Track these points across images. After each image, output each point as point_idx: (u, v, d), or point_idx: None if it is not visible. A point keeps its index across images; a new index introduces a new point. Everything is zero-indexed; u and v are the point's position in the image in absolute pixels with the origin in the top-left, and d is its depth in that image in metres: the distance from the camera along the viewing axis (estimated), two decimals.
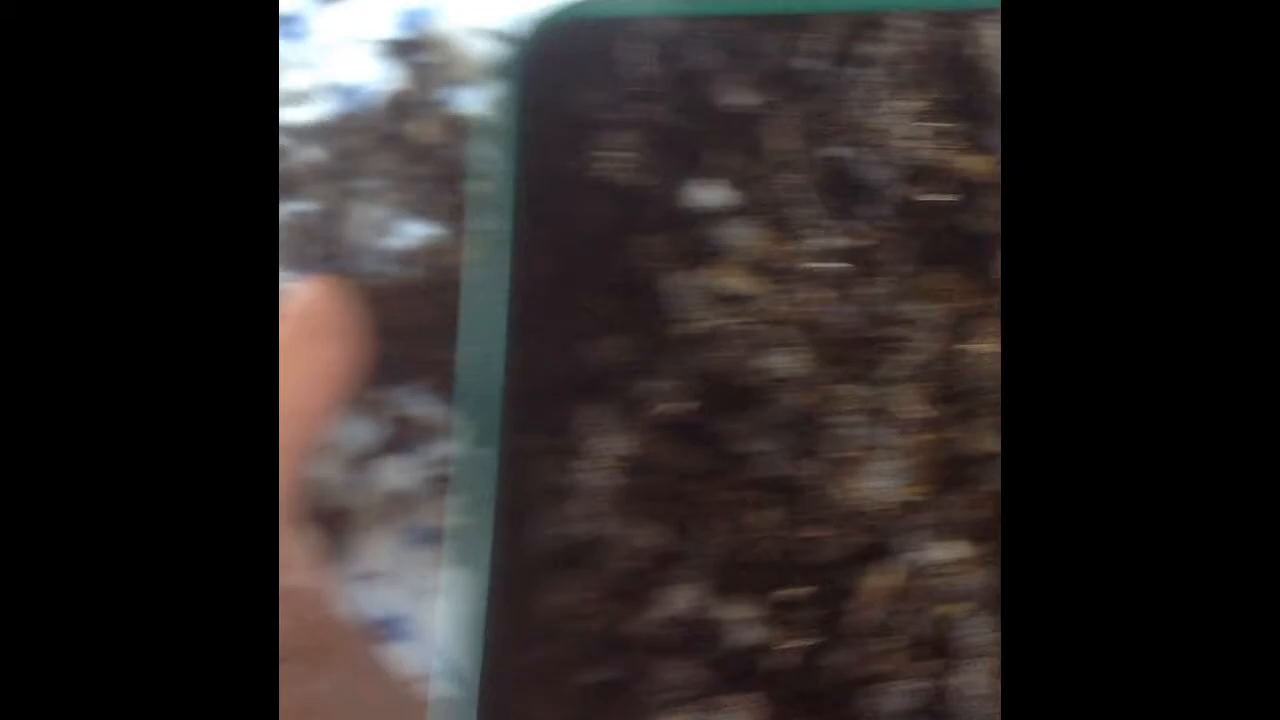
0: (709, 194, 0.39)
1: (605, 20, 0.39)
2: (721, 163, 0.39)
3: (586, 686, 0.38)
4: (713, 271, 0.38)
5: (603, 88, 0.39)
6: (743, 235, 0.38)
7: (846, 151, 0.38)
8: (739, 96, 0.38)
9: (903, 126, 0.37)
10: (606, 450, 0.38)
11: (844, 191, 0.38)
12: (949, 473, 0.37)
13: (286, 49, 0.58)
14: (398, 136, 0.56)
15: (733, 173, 0.39)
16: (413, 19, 0.57)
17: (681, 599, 0.38)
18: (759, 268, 0.38)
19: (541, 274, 0.39)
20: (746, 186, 0.39)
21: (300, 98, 0.57)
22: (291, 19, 0.58)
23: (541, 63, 0.38)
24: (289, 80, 0.57)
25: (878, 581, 0.37)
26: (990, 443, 0.36)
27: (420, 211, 0.55)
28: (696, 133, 0.39)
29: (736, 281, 0.38)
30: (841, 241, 0.37)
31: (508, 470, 0.38)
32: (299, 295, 0.48)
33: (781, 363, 0.38)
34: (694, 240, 0.39)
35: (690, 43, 0.39)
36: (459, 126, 0.56)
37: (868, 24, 0.38)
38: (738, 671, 0.38)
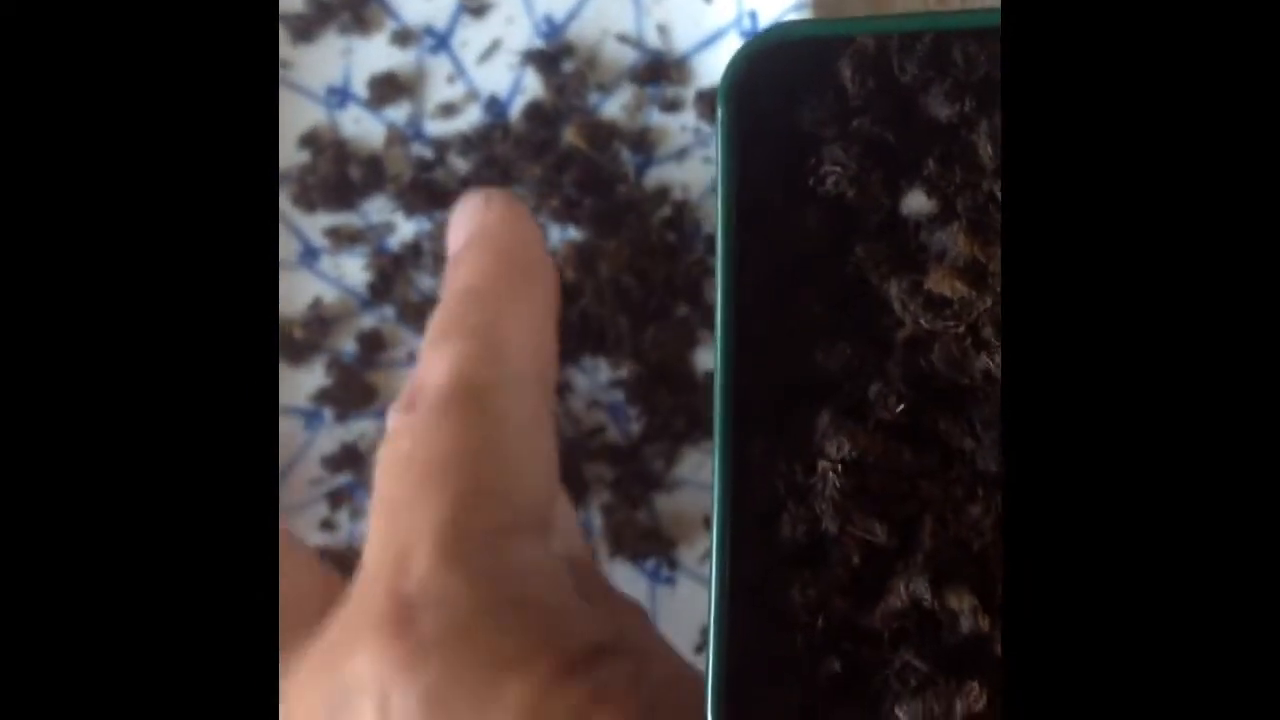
0: (920, 202, 0.40)
1: (815, 39, 0.40)
2: (931, 172, 0.40)
3: (824, 677, 0.40)
4: (927, 277, 0.39)
5: (816, 104, 0.40)
6: (950, 241, 0.39)
7: None
8: (945, 108, 0.40)
9: None
10: (835, 450, 0.39)
11: None
12: None
13: (433, 61, 0.59)
14: (544, 145, 0.58)
15: (943, 181, 0.40)
16: (554, 28, 0.58)
17: (909, 592, 0.39)
18: (967, 272, 0.39)
19: (765, 284, 0.40)
20: (958, 194, 0.40)
21: (448, 110, 0.59)
22: (437, 32, 0.59)
23: (755, 82, 0.39)
24: (437, 93, 0.59)
25: None
26: None
27: (567, 218, 0.57)
28: (907, 144, 0.40)
29: (949, 286, 0.39)
30: None
31: (744, 474, 0.39)
32: (488, 223, 0.47)
33: (994, 363, 0.39)
34: (909, 247, 0.40)
35: (897, 58, 0.40)
36: (602, 132, 0.58)
37: None
38: (964, 661, 0.40)
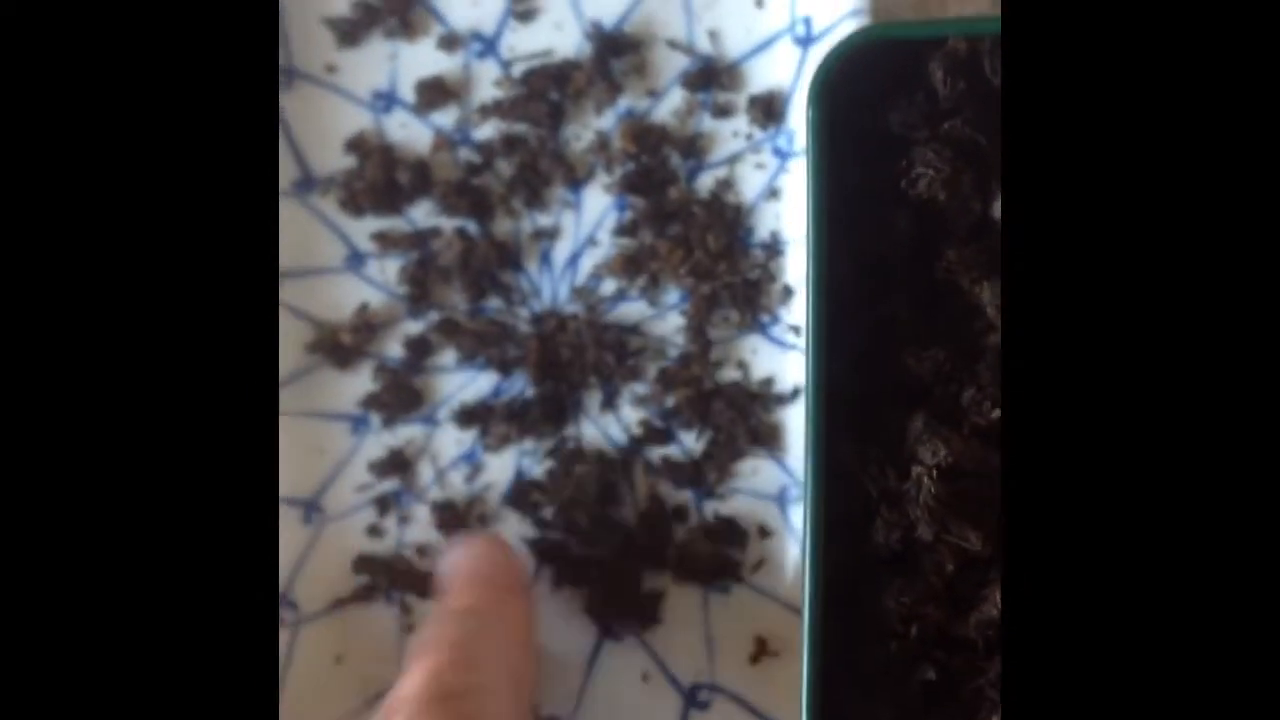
0: None
1: (905, 41, 0.40)
2: None
3: (919, 685, 0.40)
4: None
5: (906, 106, 0.40)
6: None
7: None
8: None
9: None
10: (929, 456, 0.39)
11: None
12: None
13: (479, 66, 0.59)
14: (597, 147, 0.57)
15: None
16: (604, 32, 0.58)
17: (1001, 600, 0.39)
18: None
19: (854, 288, 0.40)
20: None
21: (488, 112, 0.58)
22: (484, 37, 0.59)
23: (845, 83, 0.39)
24: (484, 97, 0.58)
25: None
26: None
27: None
28: (994, 146, 0.40)
29: None
30: None
31: (837, 478, 0.39)
32: (473, 556, 0.53)
33: None
34: (996, 252, 0.40)
35: (989, 60, 0.40)
36: (652, 136, 0.57)
37: None
38: None
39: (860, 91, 0.40)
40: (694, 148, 0.58)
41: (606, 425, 0.58)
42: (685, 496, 0.57)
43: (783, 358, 0.55)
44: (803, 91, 0.49)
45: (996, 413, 0.40)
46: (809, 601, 0.39)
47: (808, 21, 0.56)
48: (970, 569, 0.40)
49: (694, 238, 0.58)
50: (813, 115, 0.38)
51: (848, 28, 0.53)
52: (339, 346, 0.58)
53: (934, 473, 0.39)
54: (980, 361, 0.40)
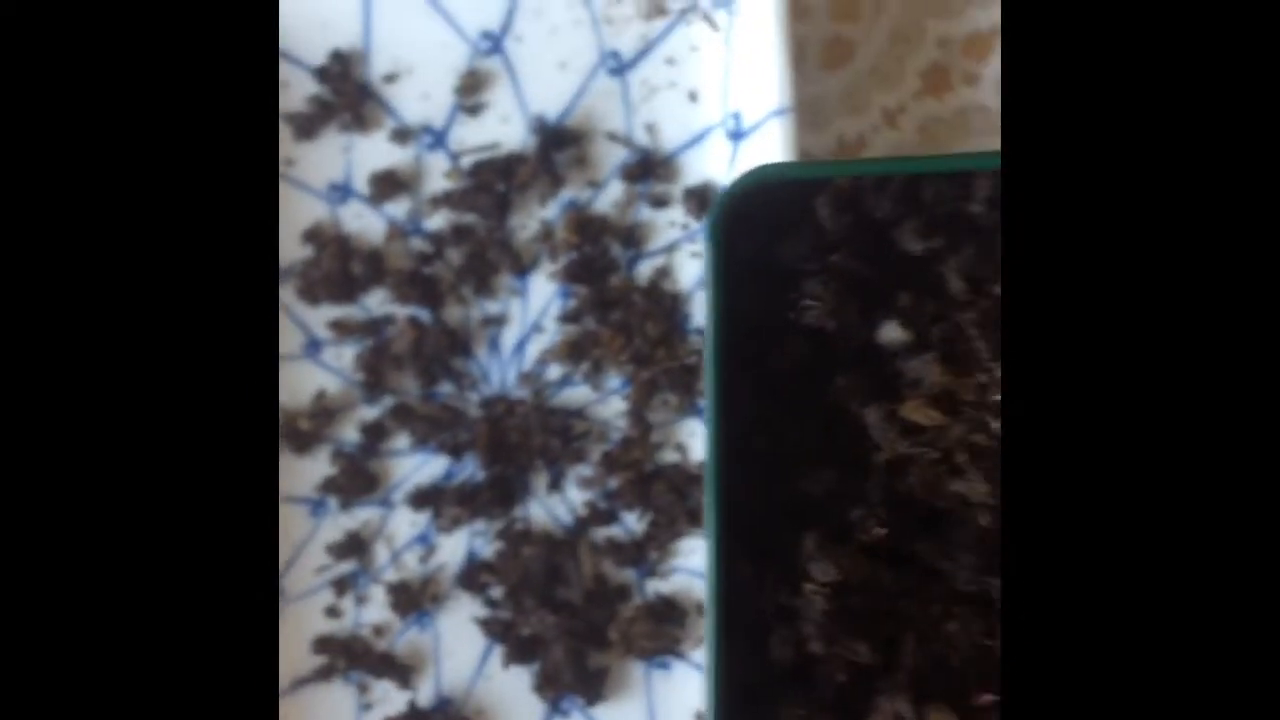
0: (895, 333, 0.42)
1: (794, 181, 0.42)
2: (905, 304, 0.42)
3: None
4: (903, 404, 0.41)
5: (797, 240, 0.42)
6: (927, 370, 0.41)
7: None
8: (917, 243, 0.42)
9: None
10: (821, 574, 0.41)
11: None
12: None
13: (430, 158, 0.61)
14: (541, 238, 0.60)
15: (916, 312, 0.42)
16: (547, 126, 0.60)
17: (894, 708, 0.41)
18: (941, 400, 0.41)
19: (752, 411, 0.42)
20: (930, 325, 0.42)
21: (438, 202, 0.60)
22: (434, 130, 0.61)
23: (741, 220, 0.41)
24: (435, 188, 0.60)
25: None
26: None
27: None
28: (882, 277, 0.42)
29: (924, 414, 0.41)
30: None
31: (737, 594, 0.41)
32: None
33: (967, 487, 0.41)
34: (886, 376, 0.42)
35: (871, 196, 0.42)
36: (593, 227, 0.59)
37: None
38: None
39: (755, 227, 0.42)
40: (633, 237, 0.60)
41: (553, 506, 0.60)
42: (628, 576, 0.59)
43: None
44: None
45: (882, 531, 0.41)
46: (712, 710, 0.41)
47: (737, 116, 0.58)
48: (860, 679, 0.42)
49: (634, 324, 0.60)
50: (711, 251, 0.40)
51: (774, 124, 0.56)
52: (297, 432, 0.61)
53: (824, 589, 0.41)
54: (869, 480, 0.42)
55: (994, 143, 0.63)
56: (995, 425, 0.40)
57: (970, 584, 0.42)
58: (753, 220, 0.42)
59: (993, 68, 0.63)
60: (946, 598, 0.42)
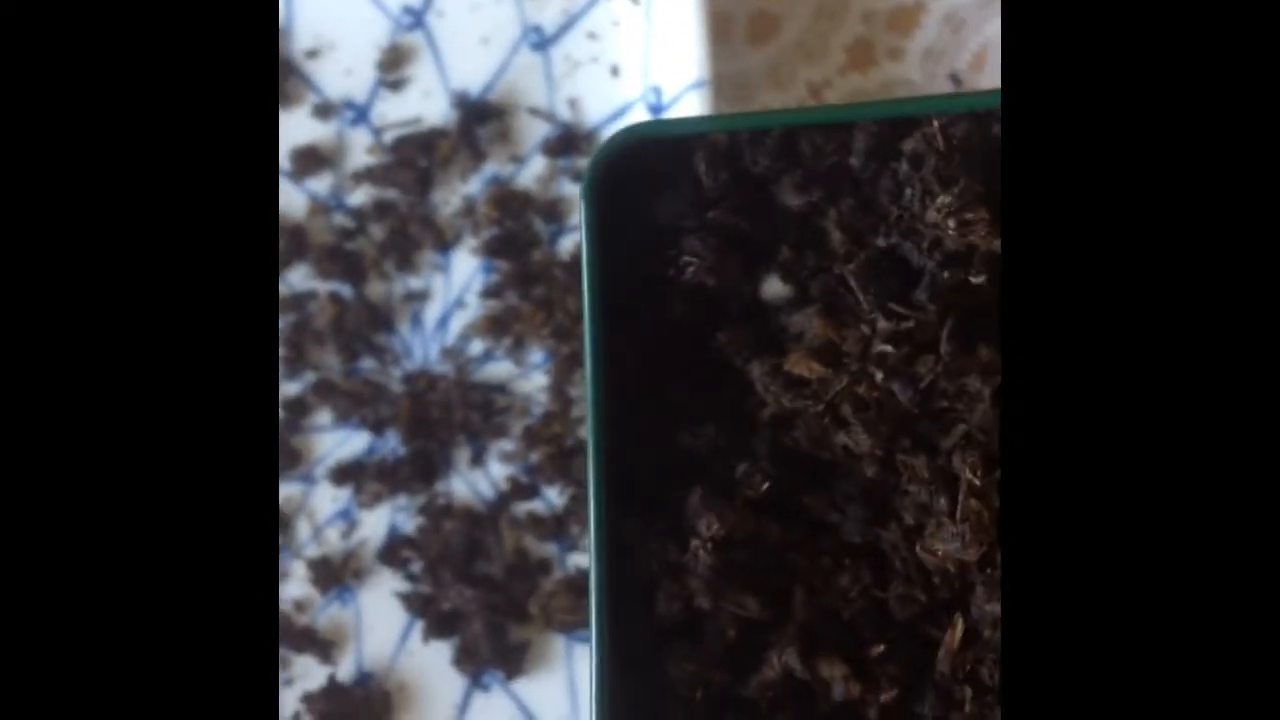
0: (777, 288, 0.42)
1: (670, 138, 0.42)
2: (786, 258, 0.42)
3: None
4: (785, 359, 0.41)
5: (675, 198, 0.42)
6: (807, 324, 0.41)
7: (891, 241, 0.41)
8: (796, 197, 0.41)
9: (940, 215, 0.40)
10: (706, 529, 0.41)
11: (893, 278, 0.41)
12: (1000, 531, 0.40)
13: (352, 134, 0.61)
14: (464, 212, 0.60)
15: (797, 266, 0.42)
16: (469, 101, 0.60)
17: (783, 661, 0.41)
18: (823, 353, 0.41)
19: (632, 372, 0.42)
20: (811, 279, 0.42)
21: (361, 178, 0.60)
22: (356, 105, 0.61)
23: (618, 179, 0.41)
24: (357, 163, 0.60)
25: (954, 634, 0.40)
26: None
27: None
28: (763, 232, 0.42)
29: (806, 367, 0.41)
30: (893, 324, 0.40)
31: (621, 554, 0.41)
32: None
33: (851, 438, 0.41)
34: (769, 330, 0.42)
35: (749, 151, 0.42)
36: (515, 202, 0.59)
37: (905, 124, 0.41)
38: None
39: (633, 186, 0.42)
40: (555, 212, 0.60)
41: (475, 481, 0.60)
42: (550, 550, 0.59)
43: None
44: None
45: (766, 484, 0.41)
46: (596, 670, 0.41)
47: (658, 91, 0.58)
48: (751, 634, 0.42)
49: (555, 300, 0.60)
50: (587, 211, 0.40)
51: (693, 97, 0.56)
52: None
53: (709, 544, 0.41)
54: (753, 435, 0.42)
55: None
56: (879, 376, 0.40)
57: (858, 535, 0.41)
58: (630, 179, 0.41)
59: (917, 42, 0.63)
60: (836, 550, 0.42)
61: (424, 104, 0.61)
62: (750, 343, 0.42)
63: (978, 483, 0.39)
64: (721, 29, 0.62)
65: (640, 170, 0.42)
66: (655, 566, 0.42)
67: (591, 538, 0.41)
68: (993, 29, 0.62)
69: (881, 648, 0.41)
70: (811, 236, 0.42)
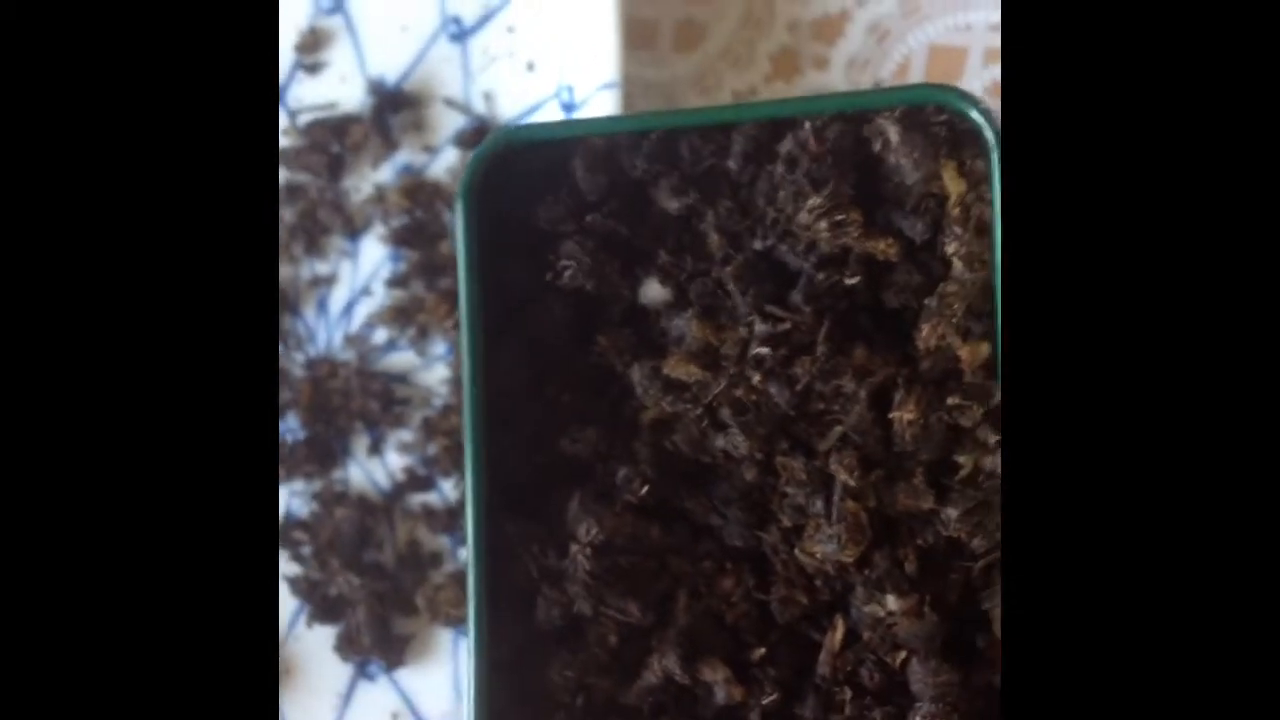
0: (655, 291, 0.42)
1: (549, 140, 0.42)
2: (664, 261, 0.42)
3: None
4: (664, 362, 0.41)
5: (553, 201, 0.42)
6: (685, 327, 0.41)
7: (768, 244, 0.41)
8: (673, 200, 0.41)
9: (812, 217, 0.40)
10: (585, 535, 0.41)
11: (771, 281, 0.41)
12: (881, 532, 0.40)
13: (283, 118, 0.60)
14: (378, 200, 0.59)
15: (676, 270, 0.42)
16: (385, 88, 0.60)
17: (664, 666, 0.41)
18: (701, 356, 0.41)
19: (513, 376, 0.42)
20: (690, 282, 0.42)
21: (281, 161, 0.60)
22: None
23: (496, 183, 0.41)
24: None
25: (830, 637, 0.40)
26: (917, 500, 0.40)
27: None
28: (639, 236, 0.42)
29: (685, 370, 0.41)
30: (771, 326, 0.40)
31: (500, 558, 0.41)
32: None
33: (730, 441, 0.41)
34: (648, 334, 0.42)
35: (627, 155, 0.42)
36: (425, 192, 0.59)
37: (782, 127, 0.41)
38: None
39: (513, 190, 0.42)
40: None
41: (372, 470, 0.60)
42: (442, 543, 0.59)
43: None
44: None
45: (646, 489, 0.41)
46: (474, 675, 0.41)
47: (570, 89, 0.58)
48: (634, 639, 0.42)
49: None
50: (463, 214, 0.40)
51: (605, 98, 0.56)
52: None
53: (589, 550, 0.41)
54: (634, 440, 0.42)
55: None
56: (756, 379, 0.40)
57: (739, 539, 0.42)
58: (510, 183, 0.41)
59: (842, 51, 0.63)
60: (718, 554, 0.42)
61: (340, 89, 0.61)
62: (631, 346, 0.42)
63: (853, 483, 0.39)
64: (647, 35, 0.62)
65: (521, 173, 0.42)
66: (535, 572, 0.42)
67: (470, 542, 0.41)
68: (916, 39, 0.63)
69: (762, 651, 0.41)
70: (690, 240, 0.42)
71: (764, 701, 0.41)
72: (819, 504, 0.40)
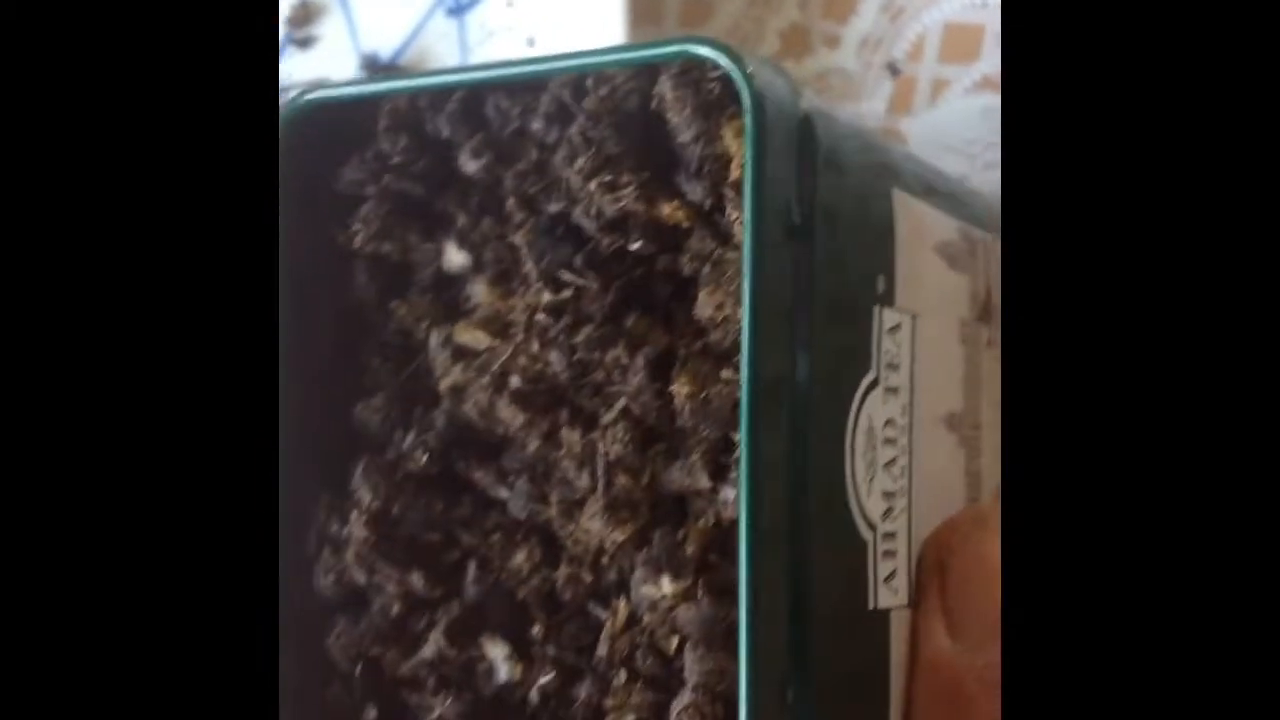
0: (454, 256, 0.40)
1: (349, 101, 0.41)
2: (462, 226, 0.41)
3: None
4: (454, 328, 0.40)
5: (357, 164, 0.41)
6: (478, 293, 0.40)
7: (559, 207, 0.39)
8: (472, 162, 0.40)
9: (581, 179, 0.38)
10: (370, 503, 0.40)
11: (566, 246, 0.39)
12: (659, 510, 0.38)
13: None
14: None
15: (474, 234, 0.41)
16: (378, 64, 0.60)
17: (444, 640, 0.40)
18: (491, 323, 0.40)
19: (314, 342, 0.41)
20: (485, 246, 0.40)
21: None
22: None
23: (302, 145, 0.40)
24: None
25: (612, 618, 0.38)
26: (692, 479, 0.37)
27: None
28: (438, 199, 0.41)
29: (472, 337, 0.39)
30: (555, 294, 0.39)
31: (296, 523, 0.41)
32: None
33: (512, 412, 0.39)
34: (448, 301, 0.41)
35: (429, 116, 0.41)
36: None
37: (576, 84, 0.39)
38: (499, 708, 0.40)
39: (320, 152, 0.41)
40: None
41: None
42: None
43: None
44: None
45: (426, 457, 0.40)
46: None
47: None
48: (419, 611, 0.41)
49: None
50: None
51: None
52: None
53: (365, 518, 0.40)
54: (431, 409, 0.41)
55: (855, 107, 0.60)
56: (536, 346, 0.39)
57: (523, 512, 0.40)
58: (317, 145, 0.41)
59: (854, 29, 0.61)
60: (507, 527, 0.40)
61: (332, 64, 0.61)
62: (430, 313, 0.41)
63: (625, 457, 0.37)
64: (652, 10, 0.61)
65: (329, 136, 0.41)
66: (314, 539, 0.41)
67: (281, 509, 0.40)
68: (931, 17, 0.60)
69: (539, 629, 0.40)
70: (491, 203, 0.41)
71: (541, 681, 0.39)
72: (585, 478, 0.38)
